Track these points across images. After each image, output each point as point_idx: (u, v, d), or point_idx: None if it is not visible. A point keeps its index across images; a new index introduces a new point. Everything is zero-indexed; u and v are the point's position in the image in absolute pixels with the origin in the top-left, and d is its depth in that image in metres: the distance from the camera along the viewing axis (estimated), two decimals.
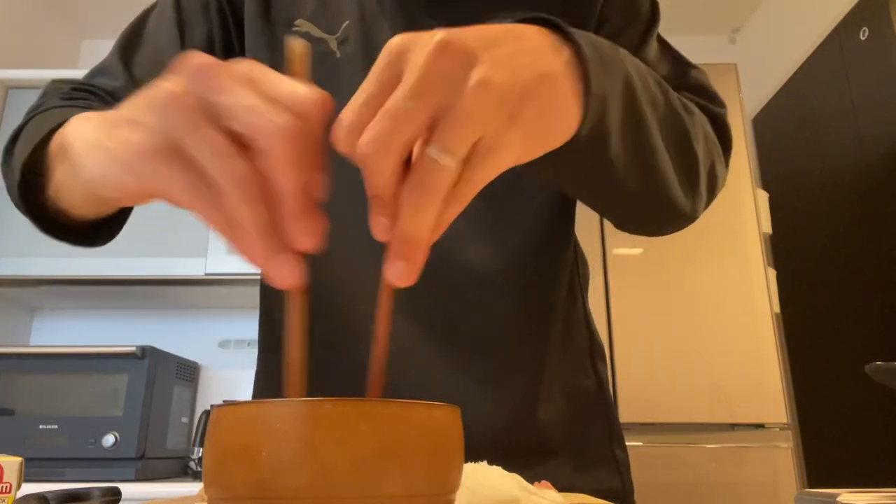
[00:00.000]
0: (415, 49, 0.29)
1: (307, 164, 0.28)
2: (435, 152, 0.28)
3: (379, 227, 0.29)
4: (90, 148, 0.35)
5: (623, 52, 0.45)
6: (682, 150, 0.51)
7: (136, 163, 0.29)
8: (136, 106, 0.31)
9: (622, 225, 0.59)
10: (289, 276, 0.28)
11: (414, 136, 0.28)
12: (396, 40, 0.30)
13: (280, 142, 0.27)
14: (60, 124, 0.46)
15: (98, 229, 0.51)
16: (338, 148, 0.29)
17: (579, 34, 0.38)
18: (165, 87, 0.28)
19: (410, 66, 0.28)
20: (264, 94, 0.28)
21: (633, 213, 0.56)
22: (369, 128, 0.28)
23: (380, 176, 0.28)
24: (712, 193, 0.59)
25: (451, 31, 0.29)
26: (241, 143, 0.28)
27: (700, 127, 0.54)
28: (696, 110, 0.55)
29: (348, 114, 0.29)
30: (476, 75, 0.29)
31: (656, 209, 0.54)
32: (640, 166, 0.47)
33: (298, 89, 0.28)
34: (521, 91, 0.32)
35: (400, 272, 0.28)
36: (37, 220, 0.50)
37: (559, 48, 0.37)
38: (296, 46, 0.31)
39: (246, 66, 0.29)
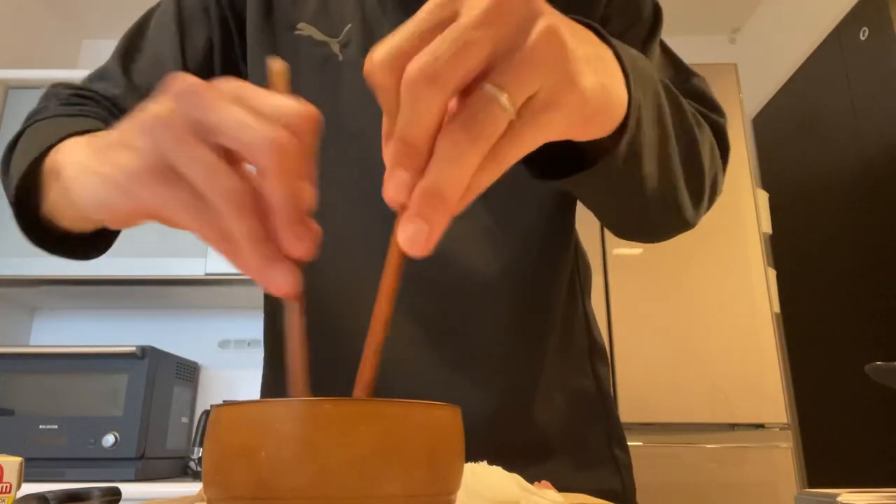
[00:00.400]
0: None
1: (297, 173, 0.28)
2: (492, 90, 0.25)
3: (397, 184, 0.26)
4: (81, 172, 0.35)
5: (646, 60, 0.45)
6: (692, 161, 0.51)
7: (130, 184, 0.30)
8: (125, 129, 0.32)
9: (622, 233, 0.59)
10: (284, 284, 0.28)
11: (474, 68, 0.25)
12: None
13: (269, 153, 0.27)
14: (54, 144, 0.46)
15: (92, 243, 0.52)
16: (372, 78, 0.26)
17: (613, 39, 0.38)
18: (153, 109, 0.29)
19: (473, 1, 0.25)
20: (251, 108, 0.28)
21: (640, 222, 0.57)
22: (425, 52, 0.25)
23: (423, 111, 0.25)
24: (711, 202, 0.59)
25: None
26: (229, 159, 0.28)
27: (707, 138, 0.55)
28: (703, 121, 0.56)
29: (393, 41, 0.26)
30: (545, 22, 0.26)
31: (664, 218, 0.54)
32: (660, 175, 0.47)
33: (285, 102, 0.28)
34: (584, 54, 0.30)
35: (416, 235, 0.25)
36: (30, 234, 0.51)
37: (603, 43, 0.36)
38: (275, 66, 0.32)
39: (232, 84, 0.29)
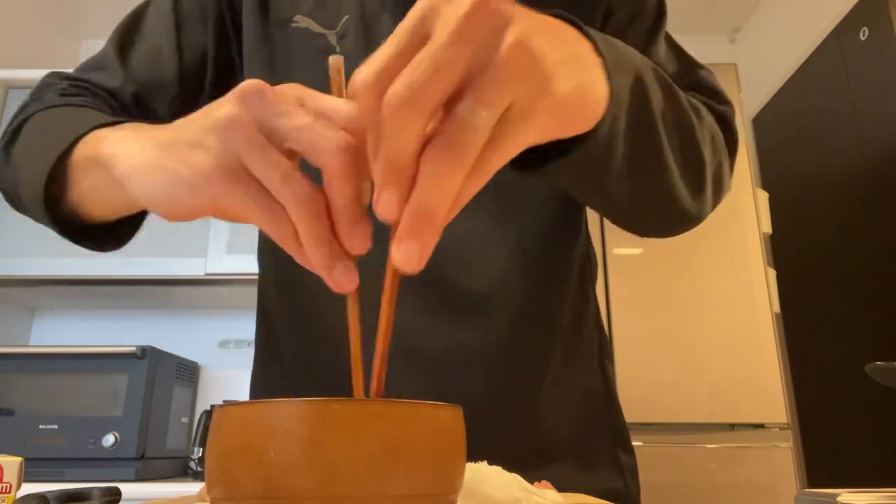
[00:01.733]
0: (449, 5, 0.27)
1: (359, 174, 0.29)
2: (468, 109, 0.26)
3: (386, 203, 0.26)
4: (144, 168, 0.36)
5: (633, 50, 0.45)
6: (689, 150, 0.51)
7: (203, 182, 0.31)
8: (193, 128, 0.33)
9: (629, 226, 0.58)
10: (347, 282, 0.30)
11: (449, 88, 0.26)
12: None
13: (338, 157, 0.28)
14: (81, 136, 0.45)
15: (114, 233, 0.51)
16: (357, 98, 0.27)
17: (594, 31, 0.38)
18: (224, 110, 0.30)
19: (446, 19, 0.26)
20: (313, 111, 0.30)
21: (637, 214, 0.56)
22: (402, 75, 0.25)
23: (405, 134, 0.25)
24: (718, 196, 0.58)
25: None
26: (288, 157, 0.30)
27: (708, 129, 0.54)
28: (705, 112, 0.55)
29: (375, 63, 0.27)
30: (514, 34, 0.27)
31: (661, 210, 0.54)
32: (645, 165, 0.47)
33: (344, 105, 0.30)
34: (557, 59, 0.30)
35: (409, 254, 0.26)
36: (52, 223, 0.49)
37: (581, 38, 0.37)
38: (335, 63, 0.33)
39: (294, 89, 0.31)
